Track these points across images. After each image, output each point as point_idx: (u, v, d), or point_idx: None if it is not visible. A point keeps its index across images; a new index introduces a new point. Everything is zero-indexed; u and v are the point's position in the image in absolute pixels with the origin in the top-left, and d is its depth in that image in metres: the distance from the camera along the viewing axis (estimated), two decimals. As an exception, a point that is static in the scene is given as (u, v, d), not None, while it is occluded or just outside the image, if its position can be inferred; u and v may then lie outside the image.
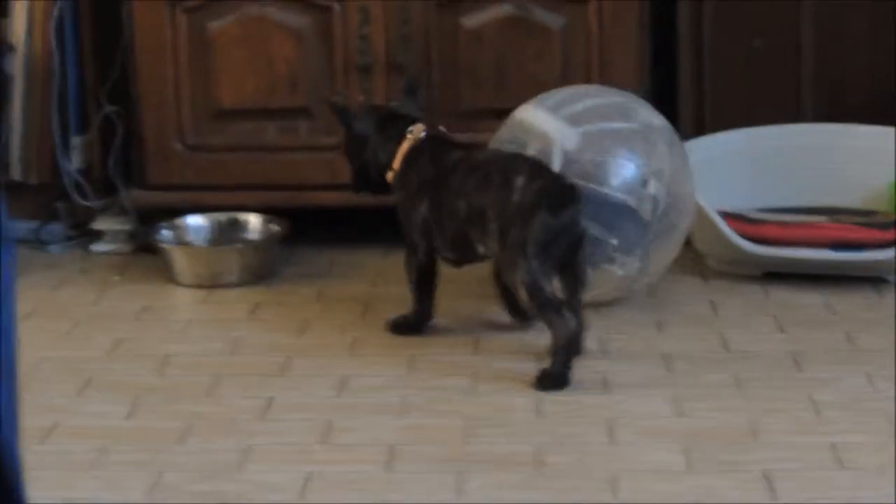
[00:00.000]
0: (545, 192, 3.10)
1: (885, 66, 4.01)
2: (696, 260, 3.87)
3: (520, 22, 3.95)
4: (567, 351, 3.11)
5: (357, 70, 3.95)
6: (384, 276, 3.84)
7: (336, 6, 3.94)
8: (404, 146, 3.37)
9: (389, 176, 3.39)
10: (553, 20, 3.95)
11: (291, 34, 3.96)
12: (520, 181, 3.13)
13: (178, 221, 3.97)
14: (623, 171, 3.38)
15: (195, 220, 3.99)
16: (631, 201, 3.36)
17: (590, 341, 3.33)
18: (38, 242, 4.16)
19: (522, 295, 3.12)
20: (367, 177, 3.42)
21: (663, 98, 4.04)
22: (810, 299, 3.60)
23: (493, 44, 3.95)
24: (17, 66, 4.07)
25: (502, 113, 3.93)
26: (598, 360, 3.25)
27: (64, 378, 3.23)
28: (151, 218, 3.99)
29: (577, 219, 3.13)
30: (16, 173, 4.09)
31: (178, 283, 3.82)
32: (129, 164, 4.11)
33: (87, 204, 4.16)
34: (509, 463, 2.77)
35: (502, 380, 3.17)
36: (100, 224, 4.15)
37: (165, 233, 3.93)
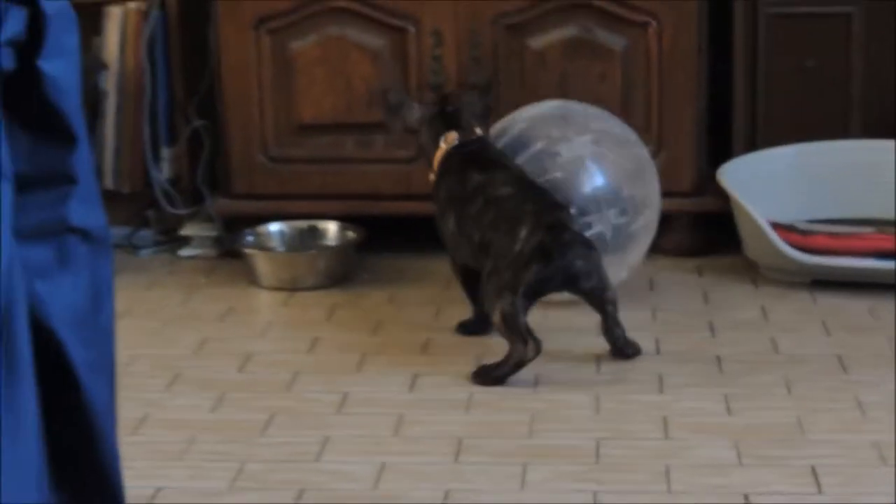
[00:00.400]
0: (542, 246, 3.10)
1: (929, 86, 4.00)
2: (748, 268, 3.87)
3: (583, 43, 3.95)
4: (513, 370, 3.11)
5: (430, 89, 3.97)
6: (455, 281, 3.84)
7: (411, 28, 3.96)
8: (438, 154, 3.41)
9: (430, 178, 3.43)
10: (615, 42, 3.95)
11: (368, 54, 3.98)
12: (523, 233, 3.13)
13: (261, 228, 3.99)
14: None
15: (277, 228, 4.01)
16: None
17: (646, 342, 3.34)
18: (130, 247, 4.19)
19: (496, 319, 3.14)
20: None
21: (717, 115, 4.04)
22: (856, 306, 3.58)
23: (557, 64, 3.96)
24: (110, 82, 4.09)
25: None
26: (653, 361, 3.25)
27: (154, 373, 3.25)
28: (235, 225, 4.02)
29: (569, 265, 3.12)
30: (109, 183, 4.11)
31: (261, 287, 3.84)
32: (215, 174, 4.14)
33: (176, 211, 4.18)
34: (570, 456, 2.78)
35: (562, 379, 3.17)
36: (187, 230, 4.17)
37: (249, 239, 3.96)
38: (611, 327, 3.22)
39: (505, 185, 3.29)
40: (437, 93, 3.72)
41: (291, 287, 3.81)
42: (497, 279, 3.14)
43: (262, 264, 3.86)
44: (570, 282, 3.15)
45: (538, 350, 3.11)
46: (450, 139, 3.42)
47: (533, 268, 3.10)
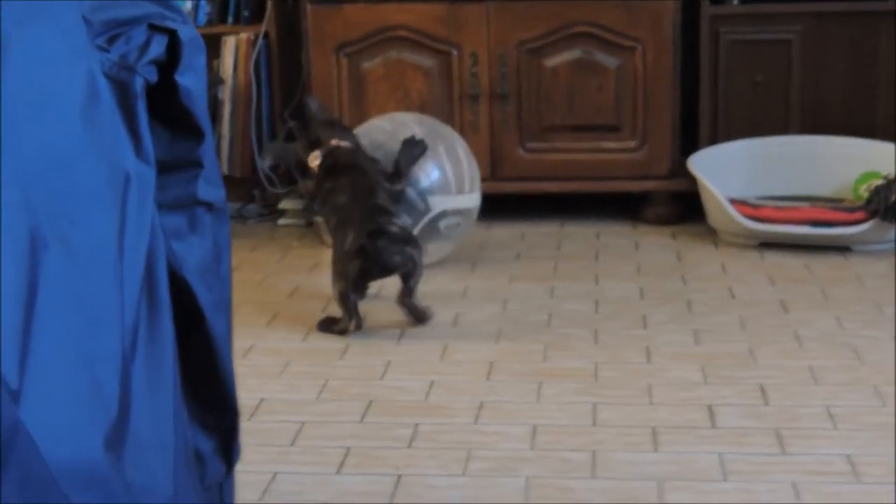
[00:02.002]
0: (362, 248, 3.02)
1: (853, 95, 3.97)
2: (711, 233, 3.86)
3: (585, 63, 3.94)
4: (338, 333, 3.05)
5: (469, 98, 3.97)
6: (487, 244, 3.85)
7: (454, 52, 3.95)
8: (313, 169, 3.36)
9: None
10: (610, 62, 3.93)
11: (421, 72, 3.98)
12: (350, 237, 3.07)
13: None
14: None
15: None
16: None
17: (633, 290, 3.33)
18: (240, 217, 4.21)
19: (335, 296, 3.09)
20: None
21: (687, 117, 4.03)
22: (794, 262, 3.57)
23: (566, 79, 3.95)
24: (226, 94, 4.12)
25: (571, 128, 3.96)
26: (638, 304, 3.25)
27: (258, 313, 3.26)
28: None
29: (385, 262, 3.03)
30: (225, 169, 4.13)
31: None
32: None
33: (275, 190, 4.19)
34: (574, 376, 2.79)
35: (569, 317, 3.17)
36: (283, 205, 4.18)
37: None
38: (406, 298, 3.09)
39: (341, 195, 3.18)
40: (292, 126, 3.59)
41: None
42: (335, 268, 3.09)
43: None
44: (388, 271, 3.06)
45: (359, 327, 3.05)
46: (314, 158, 3.35)
47: (355, 264, 3.04)
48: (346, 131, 3.44)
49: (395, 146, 3.46)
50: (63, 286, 1.36)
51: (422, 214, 3.49)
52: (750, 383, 2.71)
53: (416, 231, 3.43)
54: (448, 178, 3.53)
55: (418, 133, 3.52)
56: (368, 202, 3.15)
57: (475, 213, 3.63)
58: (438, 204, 3.50)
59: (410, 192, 3.47)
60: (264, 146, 3.81)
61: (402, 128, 3.56)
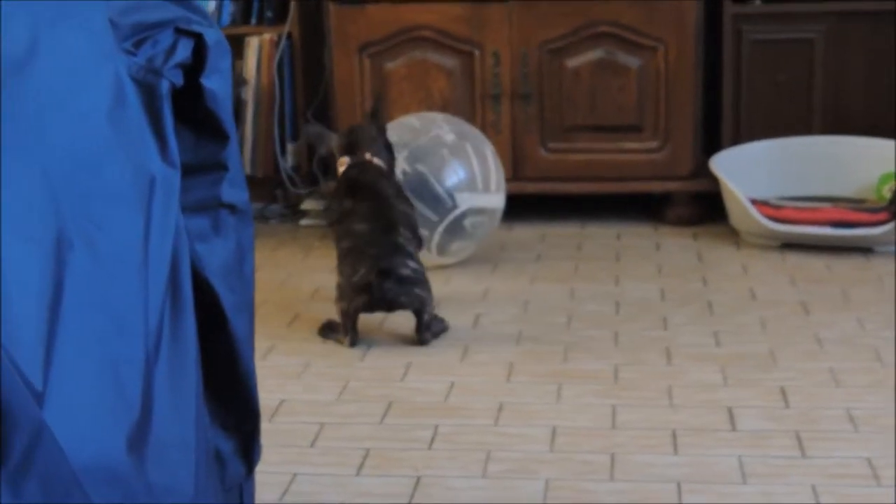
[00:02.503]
0: (370, 286, 2.98)
1: (875, 95, 3.96)
2: (732, 234, 3.85)
3: (607, 63, 3.94)
4: (334, 342, 3.04)
5: (490, 98, 3.97)
6: (508, 245, 3.85)
7: (476, 52, 3.96)
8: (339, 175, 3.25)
9: None
10: (632, 62, 3.93)
11: (444, 72, 3.98)
12: (361, 271, 3.01)
13: None
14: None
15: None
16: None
17: (654, 291, 3.33)
18: (263, 218, 4.22)
19: (337, 311, 3.05)
20: None
21: (709, 117, 4.02)
22: (816, 263, 3.57)
23: (588, 79, 3.95)
24: (249, 94, 4.13)
25: (593, 128, 3.96)
26: (659, 305, 3.25)
27: (279, 313, 3.27)
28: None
29: (391, 301, 3.00)
30: (247, 169, 4.14)
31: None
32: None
33: (297, 191, 4.20)
34: (594, 377, 2.79)
35: (588, 318, 3.18)
36: (306, 205, 4.18)
37: None
38: (421, 330, 3.04)
39: (361, 222, 3.08)
40: (348, 126, 3.47)
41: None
42: (340, 290, 3.05)
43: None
44: (392, 308, 3.03)
45: (353, 343, 3.03)
46: (342, 163, 3.21)
47: (361, 298, 3.01)
48: (385, 149, 3.28)
49: (424, 141, 3.47)
50: (88, 288, 1.37)
51: (448, 211, 3.50)
52: (770, 385, 2.71)
53: (441, 227, 3.43)
54: (475, 176, 3.54)
55: (448, 133, 3.53)
56: (388, 238, 3.06)
57: (499, 214, 3.64)
58: (465, 202, 3.51)
59: (437, 189, 3.48)
60: (304, 126, 3.77)
61: (432, 125, 3.57)
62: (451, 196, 3.50)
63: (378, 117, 3.30)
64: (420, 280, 3.05)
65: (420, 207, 3.41)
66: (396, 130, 3.54)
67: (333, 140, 3.29)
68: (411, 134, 3.56)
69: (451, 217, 3.50)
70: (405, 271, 3.02)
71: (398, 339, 3.07)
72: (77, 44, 1.43)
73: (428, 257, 3.49)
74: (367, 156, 3.21)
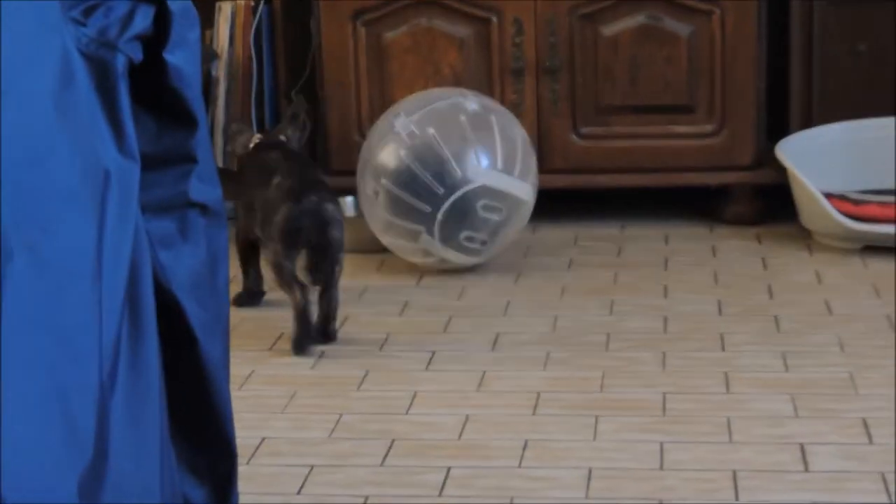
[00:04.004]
0: (290, 188, 3.15)
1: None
2: (803, 235, 3.86)
3: (652, 30, 3.95)
4: (300, 323, 3.12)
5: (511, 73, 3.98)
6: (534, 249, 3.86)
7: (494, 18, 3.97)
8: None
9: None
10: (681, 29, 3.94)
11: (455, 42, 4.00)
12: (276, 180, 3.20)
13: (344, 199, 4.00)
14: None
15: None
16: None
17: (709, 304, 3.34)
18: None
19: (270, 270, 3.19)
20: None
21: (775, 95, 4.03)
22: (904, 270, 3.58)
23: (628, 49, 3.96)
24: (221, 70, 4.14)
25: (634, 109, 3.97)
26: (715, 320, 3.26)
27: (259, 334, 3.27)
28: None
29: (318, 209, 3.13)
30: (219, 161, 4.15)
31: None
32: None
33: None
34: (638, 408, 2.79)
35: (631, 338, 3.19)
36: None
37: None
38: (330, 288, 3.17)
39: (275, 175, 3.27)
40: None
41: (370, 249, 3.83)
42: (264, 238, 3.22)
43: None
44: (322, 226, 3.14)
45: (306, 295, 3.10)
46: (253, 139, 3.50)
47: (283, 208, 3.14)
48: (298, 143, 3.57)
49: (442, 105, 3.57)
50: (31, 304, 1.39)
51: (456, 185, 3.51)
52: (850, 417, 2.71)
53: (447, 204, 3.49)
54: (496, 153, 3.55)
55: (472, 102, 3.61)
56: (305, 174, 3.28)
57: (525, 211, 3.64)
58: (478, 177, 3.52)
59: (444, 153, 3.50)
60: (231, 124, 3.88)
61: (454, 93, 3.66)
62: (462, 166, 3.50)
63: (297, 123, 3.53)
64: (341, 225, 3.19)
65: (421, 179, 3.47)
66: (411, 97, 3.62)
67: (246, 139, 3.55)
68: (427, 98, 3.62)
69: (459, 192, 3.50)
70: (329, 206, 3.17)
71: (402, 362, 3.08)
72: (15, 15, 1.44)
73: (431, 247, 3.51)
74: (282, 137, 3.52)
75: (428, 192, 3.48)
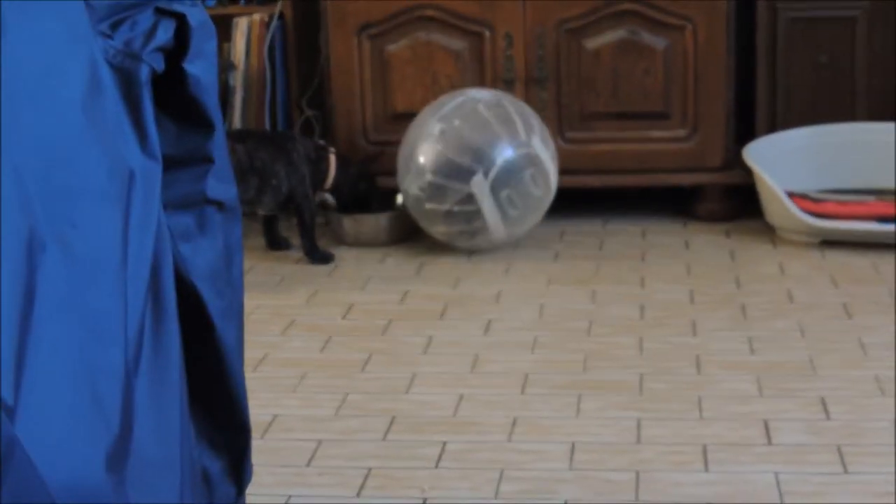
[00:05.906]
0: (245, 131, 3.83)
1: (924, 77, 3.97)
2: (768, 231, 3.85)
3: (631, 44, 3.94)
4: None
5: (503, 83, 3.98)
6: (523, 242, 3.86)
7: (487, 33, 3.97)
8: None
9: None
10: (657, 42, 3.94)
11: (451, 55, 3.99)
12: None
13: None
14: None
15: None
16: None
17: (682, 293, 3.34)
18: (252, 216, 4.20)
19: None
20: None
21: (743, 102, 4.02)
22: (859, 262, 3.57)
23: (610, 61, 3.96)
24: (238, 80, 4.14)
25: (615, 116, 3.97)
26: (688, 308, 3.26)
27: (273, 320, 3.28)
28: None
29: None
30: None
31: (349, 245, 3.88)
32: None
33: (292, 186, 4.20)
34: (617, 388, 2.79)
35: (611, 324, 3.19)
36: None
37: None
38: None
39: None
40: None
41: (372, 244, 3.85)
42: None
43: (347, 224, 3.91)
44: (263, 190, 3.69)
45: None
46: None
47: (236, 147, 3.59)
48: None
49: (458, 101, 3.68)
50: (62, 293, 1.38)
51: (522, 146, 3.63)
52: (810, 396, 2.71)
53: (511, 154, 3.62)
54: (538, 131, 3.70)
55: (482, 93, 3.74)
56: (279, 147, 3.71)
57: (546, 200, 3.71)
58: (537, 145, 3.65)
59: (514, 116, 3.65)
60: None
61: (460, 94, 3.75)
62: (528, 132, 3.64)
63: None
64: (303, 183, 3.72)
65: (496, 128, 3.60)
66: (468, 104, 3.71)
67: None
68: (438, 105, 3.72)
69: (521, 151, 3.61)
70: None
71: (403, 347, 3.07)
72: (48, 27, 1.44)
73: (479, 190, 3.59)
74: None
75: (498, 141, 3.64)
